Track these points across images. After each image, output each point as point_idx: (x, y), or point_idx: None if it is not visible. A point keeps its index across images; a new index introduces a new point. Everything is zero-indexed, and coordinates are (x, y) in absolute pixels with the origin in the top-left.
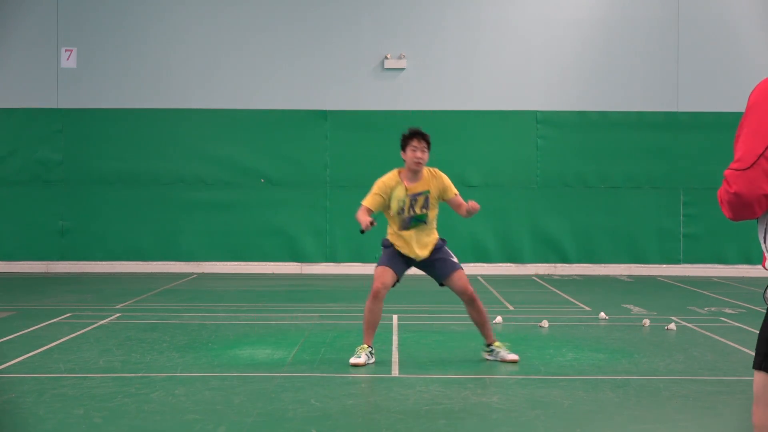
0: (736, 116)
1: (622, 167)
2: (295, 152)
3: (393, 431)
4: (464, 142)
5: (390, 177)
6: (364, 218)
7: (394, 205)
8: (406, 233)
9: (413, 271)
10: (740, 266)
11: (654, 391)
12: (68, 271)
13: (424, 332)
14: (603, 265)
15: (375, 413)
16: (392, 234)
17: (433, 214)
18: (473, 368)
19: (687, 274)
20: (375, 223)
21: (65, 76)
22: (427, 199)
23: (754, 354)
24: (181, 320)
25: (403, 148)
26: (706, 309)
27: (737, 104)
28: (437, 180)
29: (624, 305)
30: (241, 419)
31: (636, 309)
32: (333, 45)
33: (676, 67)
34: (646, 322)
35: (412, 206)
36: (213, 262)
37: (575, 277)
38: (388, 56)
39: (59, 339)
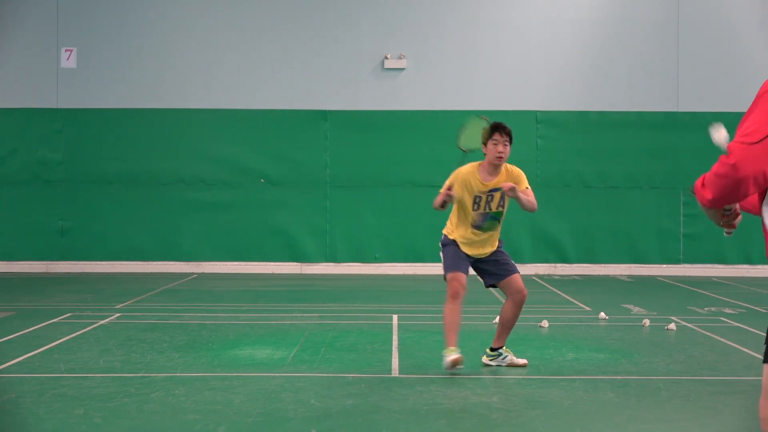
0: (737, 116)
1: (622, 167)
2: (295, 152)
3: (393, 431)
4: None
5: (467, 168)
6: (439, 196)
7: (469, 200)
8: (481, 233)
9: (412, 270)
10: (740, 266)
11: (654, 391)
12: (68, 271)
13: (424, 332)
14: (603, 265)
15: (375, 413)
16: (458, 233)
17: (505, 212)
18: (473, 368)
19: (687, 274)
20: (452, 192)
21: (65, 76)
22: (503, 196)
23: (756, 353)
24: (181, 320)
25: (484, 142)
26: (706, 309)
27: (737, 104)
28: (513, 176)
29: (624, 305)
30: (241, 419)
31: (636, 309)
32: (333, 45)
33: (676, 67)
34: (646, 322)
35: (488, 203)
36: (213, 262)
37: (575, 277)
38: (388, 56)
39: (59, 339)
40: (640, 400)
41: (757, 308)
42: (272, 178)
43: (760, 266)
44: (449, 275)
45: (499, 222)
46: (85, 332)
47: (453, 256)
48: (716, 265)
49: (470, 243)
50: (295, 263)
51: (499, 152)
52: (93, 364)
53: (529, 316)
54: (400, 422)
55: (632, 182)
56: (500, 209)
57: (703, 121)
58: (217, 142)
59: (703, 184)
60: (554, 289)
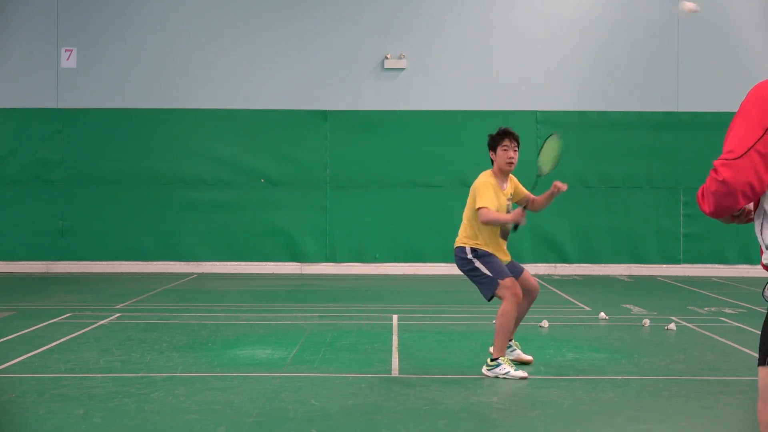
0: None
1: (622, 167)
2: (295, 152)
3: (393, 431)
4: (464, 142)
5: (490, 178)
6: (515, 214)
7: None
8: (503, 241)
9: (412, 270)
10: (740, 266)
11: (654, 391)
12: (68, 271)
13: (424, 332)
14: (603, 265)
15: (375, 413)
16: (485, 243)
17: None
18: (473, 368)
19: (687, 274)
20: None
21: (65, 76)
22: (512, 202)
23: (757, 353)
24: (181, 320)
25: (493, 148)
26: (706, 309)
27: (737, 104)
28: (514, 181)
29: (624, 305)
30: (241, 419)
31: (636, 309)
32: (333, 45)
33: (676, 67)
34: (646, 322)
35: (508, 211)
36: (213, 262)
37: (575, 277)
38: (388, 56)
39: (59, 339)
40: (640, 400)
41: (757, 308)
42: (272, 178)
43: (759, 266)
44: (508, 281)
45: (515, 230)
46: (85, 332)
47: (499, 264)
48: (716, 265)
49: (500, 253)
50: (295, 263)
51: (510, 157)
52: (93, 364)
53: (529, 316)
54: (400, 422)
55: (632, 182)
56: None
57: (703, 121)
58: (217, 142)
59: (703, 196)
60: (554, 289)
